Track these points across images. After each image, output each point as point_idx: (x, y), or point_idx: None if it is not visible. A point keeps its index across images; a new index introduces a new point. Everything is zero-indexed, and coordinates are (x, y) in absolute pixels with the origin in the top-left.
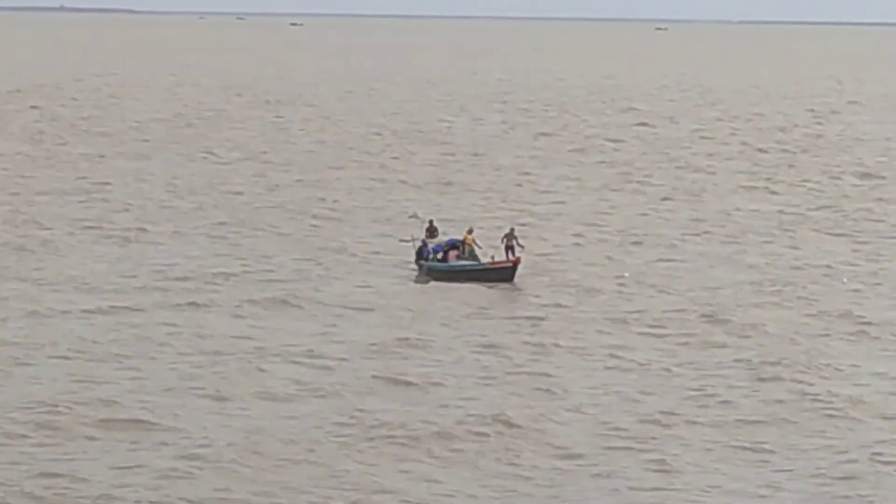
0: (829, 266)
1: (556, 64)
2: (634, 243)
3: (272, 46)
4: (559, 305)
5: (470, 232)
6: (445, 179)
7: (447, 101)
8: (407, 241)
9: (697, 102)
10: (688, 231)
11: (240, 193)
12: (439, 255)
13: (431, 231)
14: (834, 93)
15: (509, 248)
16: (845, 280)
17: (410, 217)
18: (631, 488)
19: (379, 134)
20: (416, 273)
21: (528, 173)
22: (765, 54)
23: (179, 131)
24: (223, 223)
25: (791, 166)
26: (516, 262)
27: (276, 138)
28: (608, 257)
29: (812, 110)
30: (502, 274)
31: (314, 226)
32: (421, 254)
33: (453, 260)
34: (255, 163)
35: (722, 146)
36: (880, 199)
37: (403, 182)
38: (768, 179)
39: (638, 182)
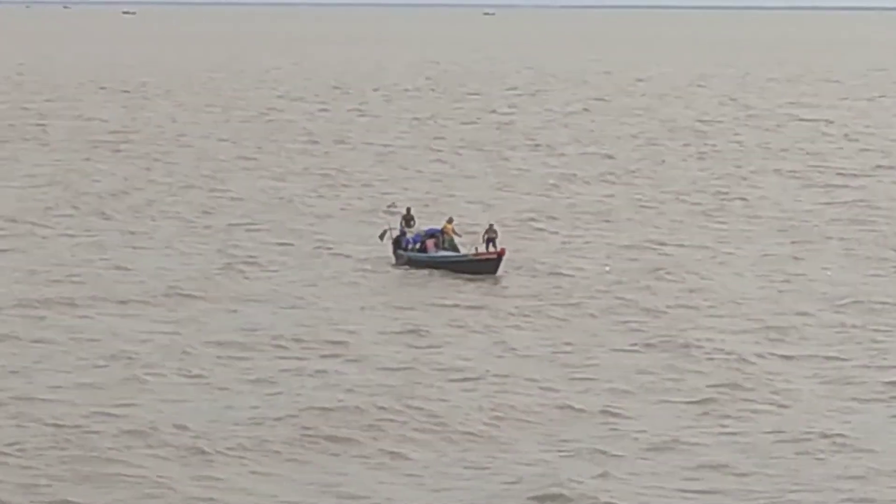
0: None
1: (384, 52)
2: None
3: (101, 35)
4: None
5: (450, 221)
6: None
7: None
8: (384, 233)
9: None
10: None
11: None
12: (418, 246)
13: (408, 220)
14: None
15: (490, 240)
16: (608, 269)
17: (388, 207)
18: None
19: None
20: (393, 261)
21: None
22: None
23: None
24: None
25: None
26: (501, 254)
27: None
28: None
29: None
30: (487, 266)
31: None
32: (399, 243)
33: (431, 249)
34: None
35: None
36: None
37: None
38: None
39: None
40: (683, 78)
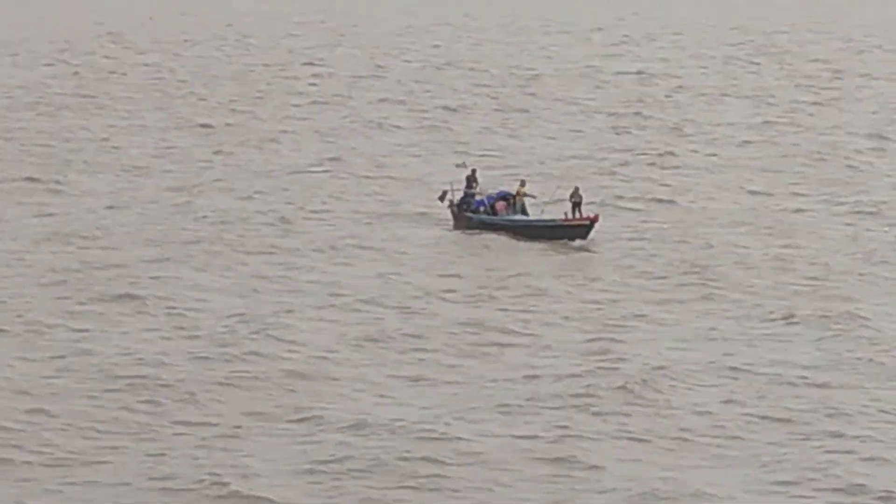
0: None
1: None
2: None
3: None
4: None
5: (522, 184)
6: None
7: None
8: (444, 194)
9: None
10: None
11: None
12: (483, 209)
13: (472, 181)
14: None
15: (576, 204)
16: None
17: (458, 165)
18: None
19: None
20: (452, 222)
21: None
22: None
23: None
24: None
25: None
26: (594, 220)
27: None
28: None
29: None
30: (577, 232)
31: None
32: (468, 205)
33: (502, 211)
34: None
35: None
36: None
37: None
38: None
39: None
40: None
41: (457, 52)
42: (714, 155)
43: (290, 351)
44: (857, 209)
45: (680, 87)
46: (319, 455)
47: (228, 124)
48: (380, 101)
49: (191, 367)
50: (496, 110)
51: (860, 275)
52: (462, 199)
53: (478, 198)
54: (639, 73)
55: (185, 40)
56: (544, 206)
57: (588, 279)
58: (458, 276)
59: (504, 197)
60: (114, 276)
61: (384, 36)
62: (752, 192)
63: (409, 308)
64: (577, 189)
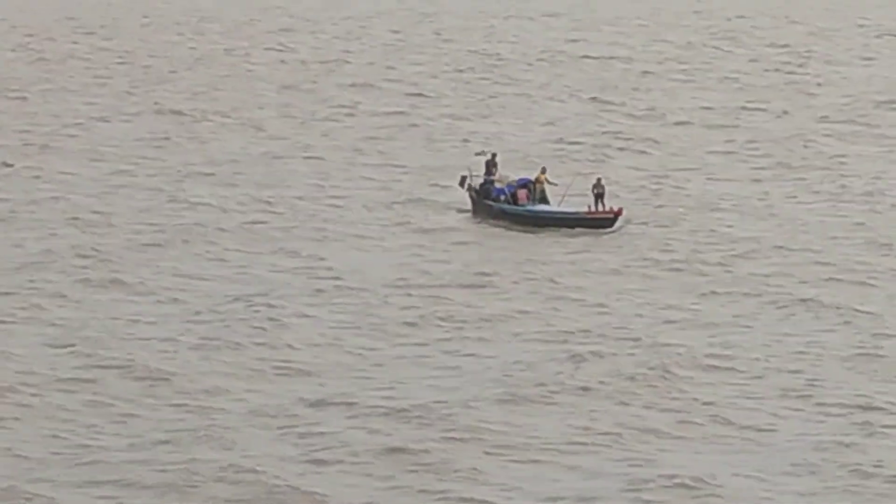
0: None
1: None
2: None
3: None
4: None
5: (543, 171)
6: None
7: None
8: (463, 179)
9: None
10: None
11: None
12: (503, 197)
13: (490, 168)
14: None
15: (599, 196)
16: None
17: (478, 154)
18: None
19: None
20: (470, 209)
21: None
22: None
23: None
24: None
25: None
26: (618, 213)
27: None
28: None
29: None
30: (601, 223)
31: None
32: (486, 193)
33: (523, 200)
34: None
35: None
36: None
37: None
38: None
39: None
40: None
41: (419, 36)
42: (686, 138)
43: (294, 338)
44: (837, 195)
45: (646, 71)
46: (325, 442)
47: (198, 110)
48: (350, 87)
49: (190, 355)
50: (466, 96)
51: (861, 262)
52: (482, 185)
53: (497, 185)
54: (606, 57)
55: (147, 24)
56: (564, 195)
57: (593, 267)
58: (474, 264)
59: (525, 185)
60: (99, 262)
61: (345, 21)
62: (732, 180)
63: (430, 296)
64: (599, 180)
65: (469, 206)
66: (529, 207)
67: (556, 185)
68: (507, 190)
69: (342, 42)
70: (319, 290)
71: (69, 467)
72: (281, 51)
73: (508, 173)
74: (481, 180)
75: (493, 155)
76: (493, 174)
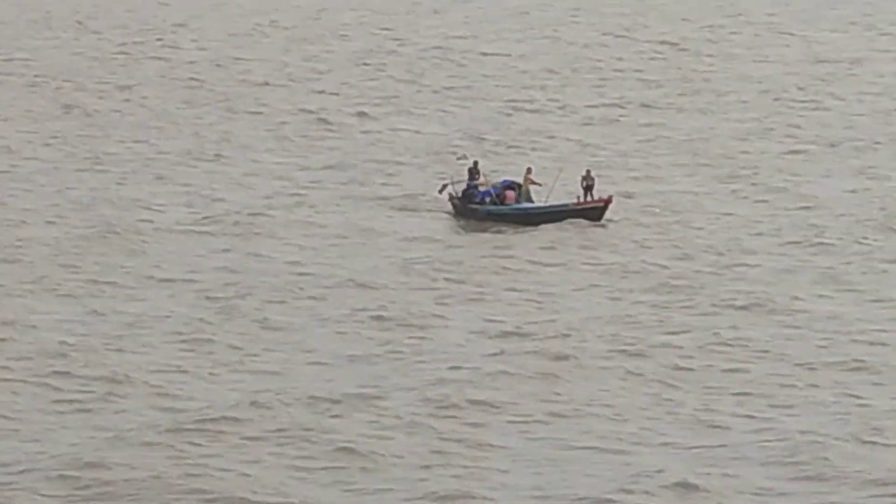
0: None
1: None
2: None
3: None
4: None
5: (529, 171)
6: None
7: None
8: (444, 187)
9: None
10: None
11: None
12: (488, 200)
13: (472, 174)
14: None
15: (588, 187)
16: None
17: (459, 158)
18: None
19: None
20: (453, 213)
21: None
22: None
23: None
24: None
25: None
26: (608, 202)
27: None
28: None
29: None
30: (591, 214)
31: None
32: (472, 198)
33: (511, 201)
34: None
35: None
36: None
37: None
38: None
39: None
40: None
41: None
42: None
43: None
44: (748, 192)
45: (550, 69)
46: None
47: (112, 111)
48: (259, 85)
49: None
50: (382, 94)
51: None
52: (465, 191)
53: (482, 188)
54: (507, 55)
55: (34, 23)
56: (549, 194)
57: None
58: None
59: (510, 186)
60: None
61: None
62: (646, 178)
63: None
64: (588, 171)
65: (451, 210)
66: (516, 206)
67: (540, 185)
68: (492, 191)
69: (237, 40)
70: (279, 289)
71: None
72: (181, 50)
73: (491, 178)
74: (464, 186)
75: (476, 162)
76: (477, 179)
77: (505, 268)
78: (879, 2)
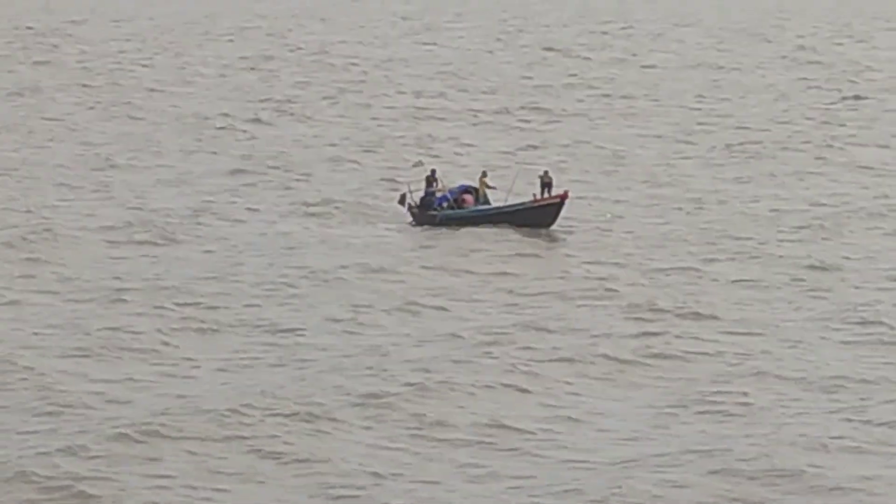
0: None
1: None
2: None
3: None
4: None
5: (484, 175)
6: None
7: None
8: (403, 197)
9: None
10: None
11: None
12: (445, 204)
13: (430, 181)
14: None
15: (546, 185)
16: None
17: (415, 166)
18: None
19: None
20: (411, 221)
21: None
22: None
23: None
24: None
25: None
26: (564, 197)
27: None
28: None
29: None
30: (548, 210)
31: None
32: (430, 205)
33: (470, 204)
34: None
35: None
36: None
37: None
38: None
39: None
40: None
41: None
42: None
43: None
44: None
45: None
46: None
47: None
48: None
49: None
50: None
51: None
52: (422, 198)
53: (439, 194)
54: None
55: None
56: (510, 190)
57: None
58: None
59: (467, 190)
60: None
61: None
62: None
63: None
64: (546, 171)
65: (409, 216)
66: (473, 208)
67: (495, 188)
68: (449, 196)
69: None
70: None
71: None
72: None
73: (448, 184)
74: (422, 194)
75: (433, 170)
76: (434, 187)
77: (458, 272)
78: None
